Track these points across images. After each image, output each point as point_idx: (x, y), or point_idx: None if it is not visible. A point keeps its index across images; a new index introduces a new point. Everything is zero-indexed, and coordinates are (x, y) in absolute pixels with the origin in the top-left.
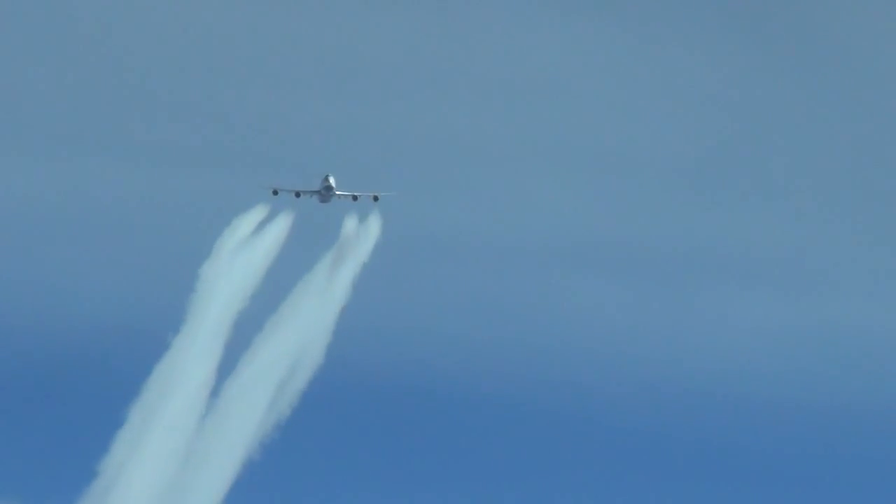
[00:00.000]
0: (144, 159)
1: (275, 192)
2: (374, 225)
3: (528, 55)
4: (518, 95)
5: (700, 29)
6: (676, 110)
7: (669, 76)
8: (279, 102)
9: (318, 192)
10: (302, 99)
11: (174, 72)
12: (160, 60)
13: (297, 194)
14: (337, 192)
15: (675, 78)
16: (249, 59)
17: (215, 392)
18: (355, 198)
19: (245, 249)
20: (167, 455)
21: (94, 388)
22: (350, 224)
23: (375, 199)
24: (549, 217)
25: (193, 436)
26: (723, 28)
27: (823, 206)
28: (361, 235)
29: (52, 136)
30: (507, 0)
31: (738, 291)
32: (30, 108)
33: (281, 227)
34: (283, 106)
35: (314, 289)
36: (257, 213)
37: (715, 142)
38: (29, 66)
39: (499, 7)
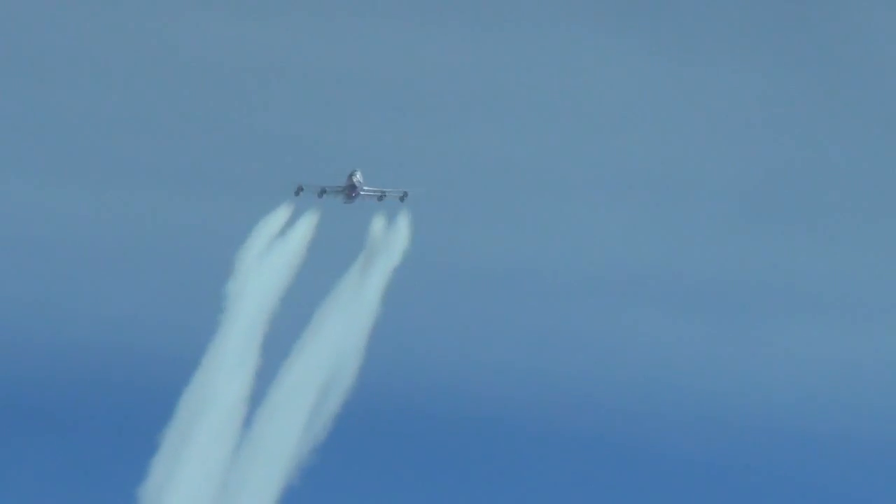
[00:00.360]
0: (157, 177)
1: (298, 192)
2: (403, 229)
3: (580, 79)
4: (570, 121)
5: (757, 57)
6: (733, 138)
7: (726, 103)
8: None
9: (343, 189)
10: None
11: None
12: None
13: (322, 192)
14: (363, 190)
15: (732, 105)
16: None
17: (249, 416)
18: (381, 196)
19: (270, 259)
20: (204, 480)
21: (124, 413)
22: (378, 226)
23: (402, 197)
24: (600, 245)
25: (229, 461)
26: (778, 56)
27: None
28: (391, 240)
29: (70, 158)
30: (560, 22)
31: (801, 322)
32: (48, 131)
33: (305, 230)
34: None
35: (343, 303)
36: (280, 216)
37: (775, 169)
38: (46, 88)
39: (552, 29)
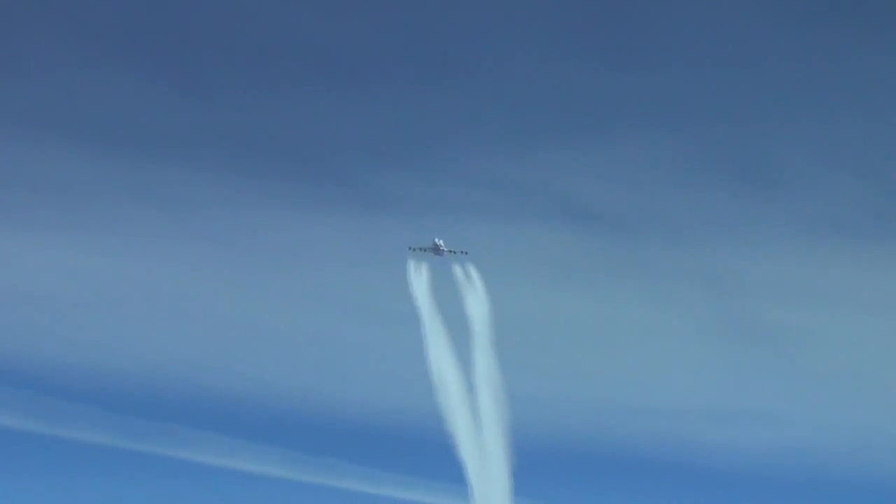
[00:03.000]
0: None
1: (412, 249)
2: (473, 274)
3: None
4: None
5: None
6: None
7: None
8: None
9: (432, 248)
10: None
11: None
12: None
13: (423, 250)
14: (443, 249)
15: None
16: None
17: None
18: (452, 252)
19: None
20: None
21: None
22: (458, 271)
23: (465, 253)
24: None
25: None
26: None
27: None
28: (470, 285)
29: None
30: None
31: None
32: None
33: (425, 271)
34: None
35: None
36: (413, 263)
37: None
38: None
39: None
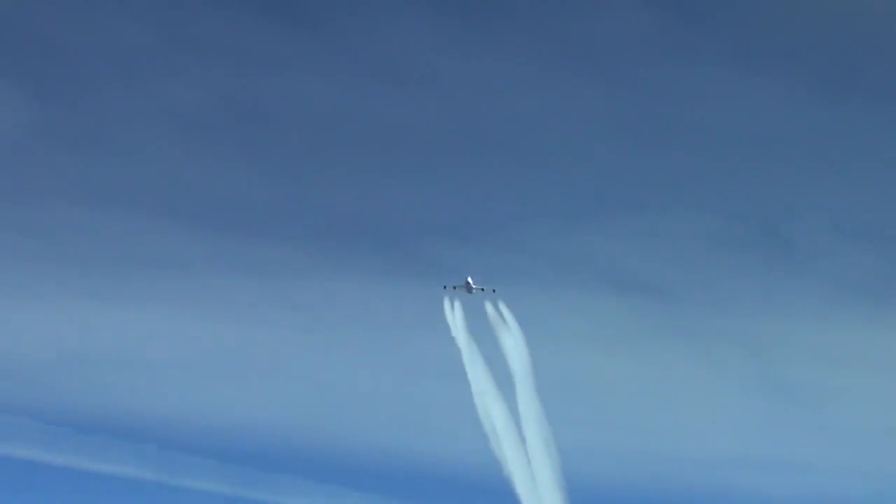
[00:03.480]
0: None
1: (445, 287)
2: (504, 310)
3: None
4: None
5: None
6: None
7: None
8: None
9: (464, 286)
10: None
11: None
12: None
13: (455, 287)
14: (474, 286)
15: None
16: None
17: None
18: (483, 290)
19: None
20: None
21: None
22: (490, 308)
23: (494, 290)
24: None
25: None
26: None
27: None
28: (503, 321)
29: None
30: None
31: None
32: None
33: (459, 306)
34: None
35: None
36: (448, 300)
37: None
38: None
39: None
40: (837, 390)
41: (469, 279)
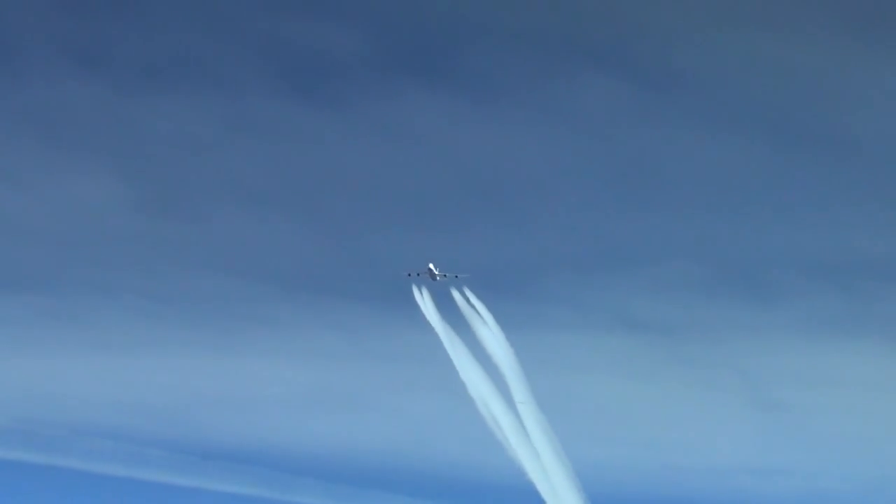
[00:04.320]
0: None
1: (409, 274)
2: (472, 297)
3: None
4: None
5: None
6: None
7: None
8: None
9: (427, 273)
10: None
11: None
12: None
13: (418, 274)
14: (437, 273)
15: None
16: None
17: None
18: (445, 276)
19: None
20: None
21: None
22: (457, 294)
23: (457, 276)
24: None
25: None
26: None
27: None
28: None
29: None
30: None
31: None
32: None
33: (428, 293)
34: None
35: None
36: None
37: None
38: None
39: None
40: (815, 406)
41: (431, 265)
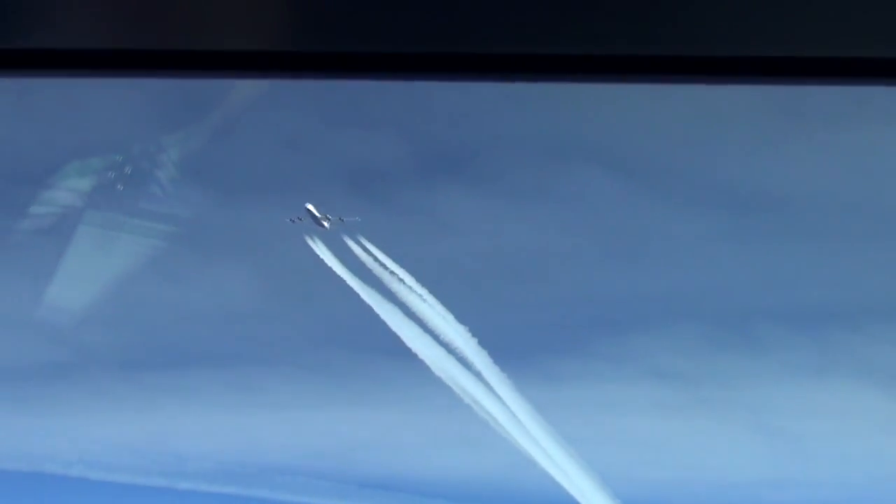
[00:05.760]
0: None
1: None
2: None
3: None
4: None
5: None
6: None
7: None
8: None
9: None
10: None
11: None
12: None
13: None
14: (318, 215)
15: None
16: None
17: None
18: (329, 219)
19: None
20: None
21: None
22: (350, 241)
23: (342, 219)
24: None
25: None
26: None
27: None
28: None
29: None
30: None
31: None
32: None
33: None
34: None
35: None
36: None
37: None
38: None
39: None
40: (809, 431)
41: (309, 206)
